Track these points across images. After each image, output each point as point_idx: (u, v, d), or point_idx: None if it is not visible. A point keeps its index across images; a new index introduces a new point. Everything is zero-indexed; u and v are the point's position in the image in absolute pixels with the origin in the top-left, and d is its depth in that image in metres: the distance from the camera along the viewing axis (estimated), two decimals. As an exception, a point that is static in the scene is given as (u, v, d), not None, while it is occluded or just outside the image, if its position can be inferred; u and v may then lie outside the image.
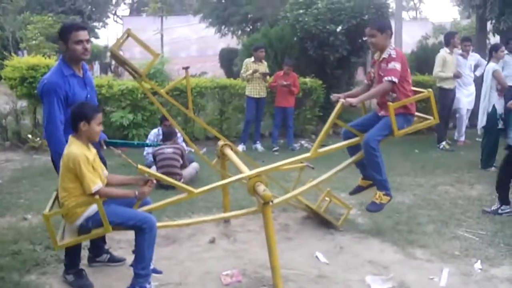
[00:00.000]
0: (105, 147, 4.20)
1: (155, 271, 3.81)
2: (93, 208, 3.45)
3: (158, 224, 3.79)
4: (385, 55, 4.43)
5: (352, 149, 4.67)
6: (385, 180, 4.30)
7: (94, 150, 3.59)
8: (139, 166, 3.66)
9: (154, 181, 3.73)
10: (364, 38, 11.23)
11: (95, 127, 3.48)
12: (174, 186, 4.09)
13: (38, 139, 8.67)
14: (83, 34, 3.70)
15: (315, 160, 4.89)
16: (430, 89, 4.41)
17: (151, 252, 3.61)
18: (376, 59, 4.59)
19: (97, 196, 3.40)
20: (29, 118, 9.24)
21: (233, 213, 4.62)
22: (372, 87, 4.69)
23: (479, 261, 4.29)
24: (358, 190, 4.81)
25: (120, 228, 3.60)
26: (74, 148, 3.41)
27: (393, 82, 4.27)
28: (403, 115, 4.36)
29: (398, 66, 4.28)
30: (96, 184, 3.41)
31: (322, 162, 5.74)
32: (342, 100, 4.40)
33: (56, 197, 3.66)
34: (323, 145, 9.84)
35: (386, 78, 4.28)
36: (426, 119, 4.63)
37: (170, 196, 5.89)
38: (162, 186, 6.33)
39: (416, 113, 4.65)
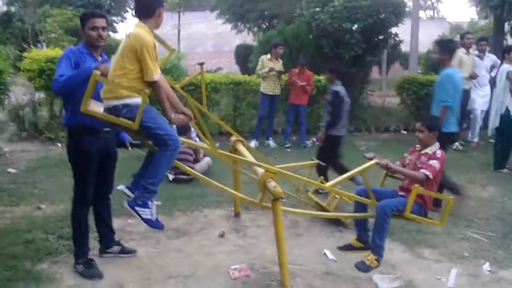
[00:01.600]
0: (130, 149, 4.33)
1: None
2: (136, 100, 3.38)
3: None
4: (428, 151, 4.56)
5: (359, 207, 4.73)
6: (382, 247, 4.39)
7: None
8: (189, 98, 3.84)
9: (193, 118, 3.78)
10: (380, 37, 11.23)
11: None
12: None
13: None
14: (99, 21, 3.81)
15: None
16: (452, 197, 4.46)
17: (165, 172, 3.56)
18: (417, 149, 4.71)
19: (147, 91, 3.37)
20: (46, 110, 9.36)
21: (237, 193, 4.64)
22: None
23: (487, 262, 4.29)
24: (348, 248, 4.88)
25: (145, 136, 3.56)
26: (144, 32, 3.36)
27: (428, 178, 4.40)
28: (419, 206, 4.47)
29: (438, 166, 4.43)
30: (158, 73, 3.40)
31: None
32: (377, 160, 4.49)
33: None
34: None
35: (424, 171, 4.41)
36: (434, 221, 4.61)
37: (183, 189, 6.00)
38: (175, 180, 6.40)
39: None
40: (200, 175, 4.23)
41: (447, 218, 4.42)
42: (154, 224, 3.59)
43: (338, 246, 4.84)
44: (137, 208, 3.50)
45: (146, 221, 3.53)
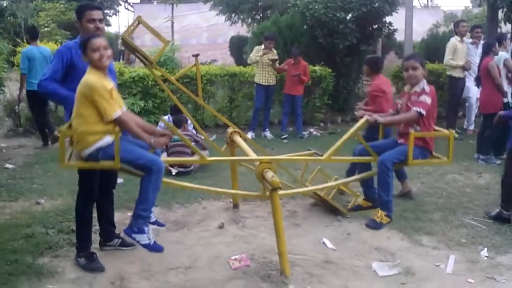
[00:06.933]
0: None
1: (158, 223, 3.84)
2: (106, 140, 3.43)
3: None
4: (417, 88, 4.56)
5: (363, 166, 4.78)
6: (390, 201, 4.45)
7: (112, 83, 3.58)
8: (162, 117, 3.75)
9: (172, 135, 3.79)
10: (375, 26, 11.22)
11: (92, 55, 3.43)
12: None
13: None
14: (96, 14, 3.83)
15: (325, 149, 4.91)
16: (451, 130, 4.46)
17: (155, 196, 3.59)
18: (406, 91, 4.71)
19: (117, 128, 3.42)
20: (41, 105, 9.32)
21: (238, 191, 4.79)
22: None
23: (485, 248, 4.32)
24: (357, 209, 4.95)
25: (128, 167, 3.60)
26: (91, 76, 3.40)
27: (421, 114, 4.40)
28: (421, 148, 4.48)
29: (428, 100, 4.42)
30: (116, 110, 3.43)
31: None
32: (367, 116, 4.51)
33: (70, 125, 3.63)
34: (332, 133, 9.93)
35: (415, 109, 4.41)
36: (441, 158, 4.65)
37: (181, 181, 6.00)
38: (171, 174, 6.41)
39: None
40: (198, 186, 4.39)
41: (452, 154, 4.42)
42: (153, 248, 3.64)
43: (348, 208, 4.87)
44: (134, 235, 3.56)
45: (145, 246, 3.60)
